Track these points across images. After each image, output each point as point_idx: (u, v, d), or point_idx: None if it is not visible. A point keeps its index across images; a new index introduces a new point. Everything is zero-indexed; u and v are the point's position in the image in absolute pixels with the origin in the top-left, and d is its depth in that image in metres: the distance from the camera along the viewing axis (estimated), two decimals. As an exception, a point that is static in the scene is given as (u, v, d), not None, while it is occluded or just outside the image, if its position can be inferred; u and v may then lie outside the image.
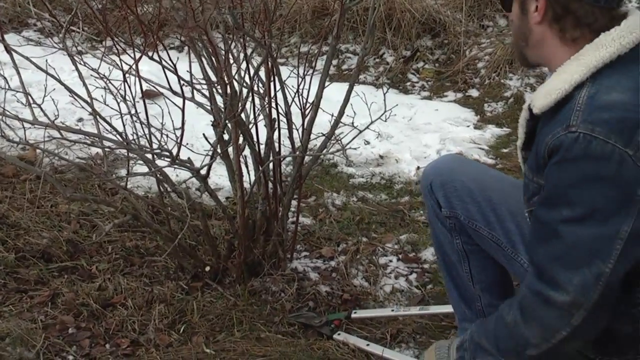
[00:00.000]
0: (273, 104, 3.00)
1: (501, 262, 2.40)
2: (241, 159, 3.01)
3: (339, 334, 2.86)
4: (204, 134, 3.09)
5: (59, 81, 2.76)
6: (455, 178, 2.45)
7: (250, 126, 3.01)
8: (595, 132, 1.73)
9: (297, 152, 3.09)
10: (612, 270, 1.77)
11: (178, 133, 2.72)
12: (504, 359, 2.01)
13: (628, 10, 1.95)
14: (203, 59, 2.97)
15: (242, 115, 2.91)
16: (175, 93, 2.80)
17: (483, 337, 2.05)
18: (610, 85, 1.80)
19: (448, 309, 2.83)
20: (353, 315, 2.97)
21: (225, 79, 2.78)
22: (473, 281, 2.52)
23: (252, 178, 3.12)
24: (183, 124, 2.67)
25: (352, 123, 3.02)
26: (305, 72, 2.99)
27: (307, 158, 3.19)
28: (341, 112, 3.08)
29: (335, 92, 3.37)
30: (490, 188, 2.38)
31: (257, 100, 3.02)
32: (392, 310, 3.00)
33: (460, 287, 2.58)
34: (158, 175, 2.97)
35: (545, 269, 1.85)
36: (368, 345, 2.79)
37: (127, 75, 2.72)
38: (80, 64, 2.83)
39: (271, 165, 3.07)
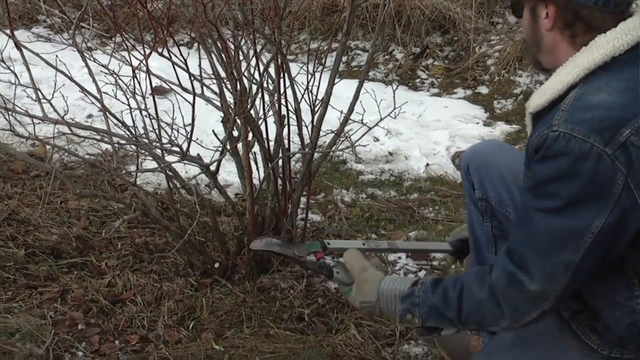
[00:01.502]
0: (282, 101, 3.00)
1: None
2: (250, 156, 3.01)
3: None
4: (213, 130, 3.09)
5: (69, 77, 2.77)
6: (491, 163, 2.50)
7: (259, 123, 3.00)
8: (575, 131, 1.78)
9: (307, 149, 3.09)
10: (581, 261, 1.82)
11: (188, 129, 2.72)
12: (462, 327, 2.06)
13: (635, 11, 1.97)
14: (213, 55, 2.97)
15: (252, 111, 2.91)
16: (184, 89, 2.79)
17: (442, 303, 2.02)
18: (599, 87, 1.85)
19: (415, 246, 3.01)
20: (329, 247, 2.68)
21: (235, 75, 2.78)
22: None
23: (262, 175, 3.12)
24: (193, 120, 2.67)
25: (362, 120, 3.01)
26: (315, 69, 2.99)
27: (316, 155, 3.19)
28: (350, 109, 3.07)
29: (344, 88, 3.37)
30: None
31: (266, 97, 3.02)
32: (363, 244, 2.88)
33: None
34: (167, 172, 2.97)
35: (518, 251, 1.90)
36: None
37: (136, 71, 2.72)
38: (90, 60, 2.83)
39: (280, 161, 3.07)
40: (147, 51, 2.60)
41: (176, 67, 2.72)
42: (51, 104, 2.71)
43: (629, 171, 1.77)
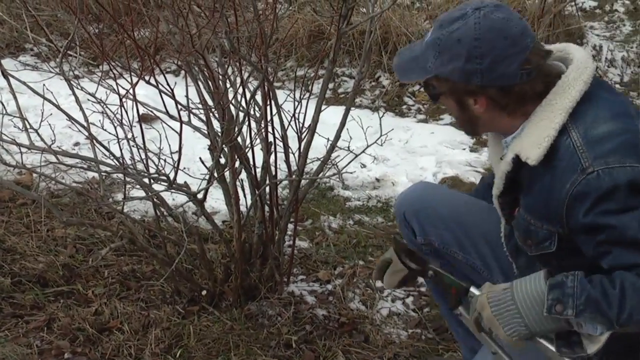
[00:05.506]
0: (269, 128, 3.01)
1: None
2: (237, 183, 3.01)
3: None
4: (200, 158, 3.09)
5: (56, 106, 2.77)
6: (427, 205, 2.51)
7: (246, 150, 3.01)
8: (610, 163, 1.85)
9: (294, 176, 3.09)
10: None
11: (175, 157, 2.72)
12: (614, 328, 1.90)
13: (564, 48, 2.07)
14: (200, 83, 2.98)
15: (239, 139, 2.92)
16: (172, 117, 2.80)
17: (602, 296, 1.88)
18: (594, 120, 1.92)
19: None
20: None
21: (222, 104, 2.78)
22: None
23: (249, 202, 3.12)
24: (180, 148, 2.68)
25: (348, 147, 3.02)
26: (302, 96, 3.00)
27: (303, 182, 3.19)
28: (337, 136, 3.08)
29: (331, 115, 3.38)
30: (463, 212, 2.40)
31: (253, 124, 3.03)
32: None
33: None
34: (155, 200, 2.97)
35: None
36: None
37: (123, 99, 2.72)
38: (77, 88, 2.84)
39: (267, 188, 3.08)
40: (134, 79, 2.61)
41: (163, 95, 2.73)
42: (38, 133, 2.71)
43: None
